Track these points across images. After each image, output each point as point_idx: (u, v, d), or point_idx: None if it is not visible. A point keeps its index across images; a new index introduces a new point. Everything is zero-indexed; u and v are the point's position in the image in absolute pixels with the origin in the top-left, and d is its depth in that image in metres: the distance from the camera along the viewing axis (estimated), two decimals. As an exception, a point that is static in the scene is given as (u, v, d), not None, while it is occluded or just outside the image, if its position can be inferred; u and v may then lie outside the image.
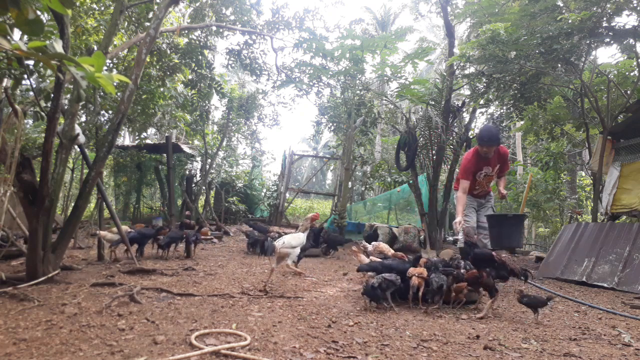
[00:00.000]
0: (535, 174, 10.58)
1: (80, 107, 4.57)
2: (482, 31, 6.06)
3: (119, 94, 5.87)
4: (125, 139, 16.84)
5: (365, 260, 3.33)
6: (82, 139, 3.99)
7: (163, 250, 5.00)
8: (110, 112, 6.90)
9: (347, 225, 8.55)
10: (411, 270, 3.20)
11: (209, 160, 10.56)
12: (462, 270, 3.41)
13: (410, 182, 7.97)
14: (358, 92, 8.88)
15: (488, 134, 4.56)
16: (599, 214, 6.49)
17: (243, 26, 7.73)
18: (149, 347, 1.95)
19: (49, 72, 4.66)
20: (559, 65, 6.14)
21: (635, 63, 6.52)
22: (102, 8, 6.49)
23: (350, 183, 11.09)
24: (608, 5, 5.46)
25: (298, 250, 4.01)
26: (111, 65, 6.76)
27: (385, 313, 2.97)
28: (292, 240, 3.99)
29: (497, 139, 4.51)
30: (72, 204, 4.93)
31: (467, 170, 4.67)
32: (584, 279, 4.80)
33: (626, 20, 5.71)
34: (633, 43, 5.87)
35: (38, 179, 3.20)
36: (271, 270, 3.69)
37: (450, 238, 9.38)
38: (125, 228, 4.84)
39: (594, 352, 2.32)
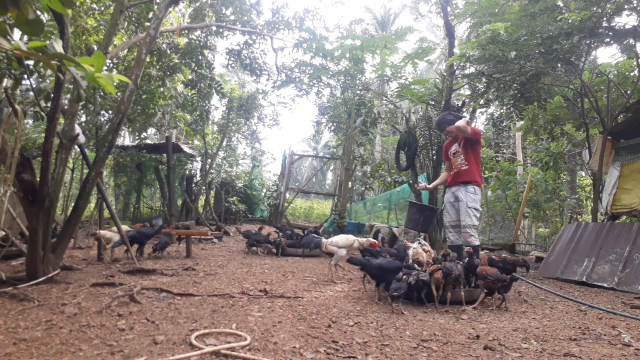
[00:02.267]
0: (535, 174, 10.57)
1: (80, 107, 4.58)
2: (482, 31, 6.07)
3: (119, 94, 5.87)
4: (125, 139, 16.85)
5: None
6: (82, 139, 3.99)
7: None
8: (110, 112, 6.91)
9: (347, 225, 8.55)
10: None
11: (209, 160, 10.57)
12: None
13: (410, 182, 7.98)
14: (358, 92, 8.89)
15: (438, 121, 5.20)
16: (599, 214, 6.49)
17: (243, 26, 7.73)
18: (149, 347, 1.95)
19: (49, 72, 4.66)
20: (559, 65, 6.14)
21: (635, 63, 6.52)
22: (102, 8, 6.50)
23: (350, 183, 11.10)
24: (608, 5, 5.46)
25: (344, 251, 4.03)
26: (111, 65, 6.76)
27: (385, 313, 2.97)
28: (340, 240, 4.00)
29: (446, 120, 4.90)
30: (72, 204, 4.93)
31: (443, 152, 5.23)
32: (584, 279, 4.80)
33: (626, 20, 5.71)
34: (633, 43, 5.87)
35: (38, 179, 3.20)
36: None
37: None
38: (125, 227, 4.84)
39: (594, 352, 2.32)
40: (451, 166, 4.84)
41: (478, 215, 4.60)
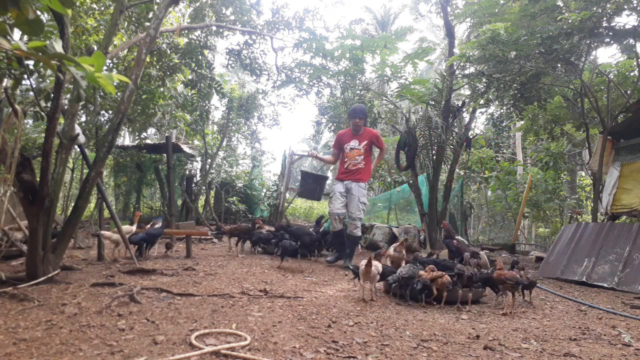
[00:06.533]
0: (535, 174, 10.58)
1: (80, 107, 4.57)
2: (482, 31, 6.06)
3: (119, 94, 5.86)
4: (125, 139, 16.83)
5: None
6: (82, 139, 3.98)
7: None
8: (110, 112, 6.90)
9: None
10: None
11: (209, 160, 10.56)
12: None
13: (410, 182, 7.97)
14: (358, 92, 8.88)
15: (357, 107, 5.35)
16: (599, 214, 6.49)
17: (243, 26, 7.72)
18: (149, 347, 1.95)
19: (49, 72, 4.66)
20: (559, 65, 6.14)
21: (635, 63, 6.52)
22: (102, 8, 6.49)
23: (350, 183, 11.06)
24: (608, 5, 5.46)
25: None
26: (111, 65, 6.76)
27: (385, 313, 2.97)
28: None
29: (362, 112, 5.29)
30: (72, 204, 4.92)
31: (335, 141, 5.58)
32: (584, 279, 4.80)
33: (626, 20, 5.71)
34: (633, 43, 5.87)
35: (38, 179, 3.20)
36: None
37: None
38: (130, 228, 4.84)
39: (594, 352, 2.32)
40: (343, 158, 5.35)
41: (365, 208, 5.36)
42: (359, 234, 5.32)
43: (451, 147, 7.55)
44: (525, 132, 10.31)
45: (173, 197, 8.32)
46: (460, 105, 7.60)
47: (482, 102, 7.54)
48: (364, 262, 3.26)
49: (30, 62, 4.13)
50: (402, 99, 8.51)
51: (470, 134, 7.96)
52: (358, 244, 5.61)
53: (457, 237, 5.73)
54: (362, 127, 5.30)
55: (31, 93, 5.70)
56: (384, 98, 9.36)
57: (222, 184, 11.70)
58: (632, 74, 6.96)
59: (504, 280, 3.26)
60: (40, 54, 1.51)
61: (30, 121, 8.19)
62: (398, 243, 4.52)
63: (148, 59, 6.80)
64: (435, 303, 3.35)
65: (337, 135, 5.60)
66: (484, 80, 6.69)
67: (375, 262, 3.35)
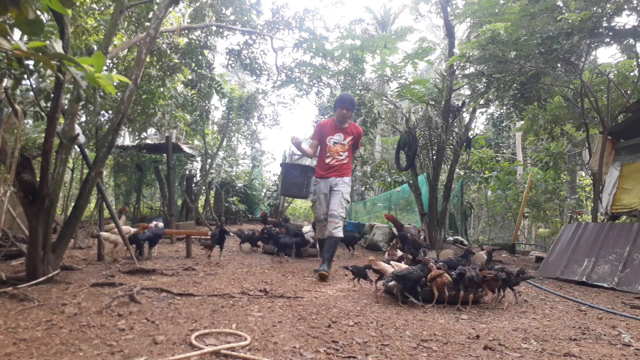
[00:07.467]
0: (535, 174, 10.59)
1: (80, 107, 4.57)
2: (482, 31, 6.07)
3: (119, 94, 5.87)
4: (125, 139, 16.83)
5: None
6: (82, 139, 3.98)
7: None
8: (110, 112, 6.90)
9: (347, 225, 8.55)
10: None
11: (209, 160, 10.57)
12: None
13: (410, 182, 7.98)
14: (358, 92, 8.88)
15: (346, 97, 4.77)
16: (599, 214, 6.49)
17: (243, 26, 7.72)
18: (149, 347, 1.95)
19: (49, 72, 4.65)
20: (559, 65, 6.14)
21: (635, 63, 6.52)
22: (102, 8, 6.49)
23: (350, 183, 11.07)
24: (608, 5, 5.46)
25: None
26: (111, 65, 6.76)
27: (385, 313, 2.97)
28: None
29: (352, 103, 4.69)
30: (72, 204, 4.93)
31: (316, 130, 4.93)
32: (584, 279, 4.80)
33: (626, 20, 5.72)
34: (633, 43, 5.87)
35: (38, 179, 3.20)
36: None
37: (450, 238, 9.39)
38: (128, 229, 4.84)
39: (594, 352, 2.32)
40: (324, 152, 4.78)
41: (347, 207, 4.79)
42: (340, 234, 4.51)
43: (451, 147, 7.56)
44: (525, 132, 10.31)
45: (173, 197, 8.32)
46: (460, 105, 7.61)
47: (482, 102, 7.55)
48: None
49: (30, 62, 4.13)
50: (402, 99, 8.52)
51: (470, 134, 7.98)
52: (337, 246, 4.85)
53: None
54: (349, 120, 4.78)
55: (31, 93, 5.70)
56: (384, 98, 9.36)
57: (222, 184, 11.70)
58: (632, 74, 6.96)
59: (485, 277, 3.28)
60: (40, 54, 1.51)
61: (30, 121, 8.19)
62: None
63: (148, 59, 6.80)
64: (422, 304, 3.35)
65: (317, 125, 4.93)
66: (484, 80, 6.69)
67: (390, 264, 3.37)
